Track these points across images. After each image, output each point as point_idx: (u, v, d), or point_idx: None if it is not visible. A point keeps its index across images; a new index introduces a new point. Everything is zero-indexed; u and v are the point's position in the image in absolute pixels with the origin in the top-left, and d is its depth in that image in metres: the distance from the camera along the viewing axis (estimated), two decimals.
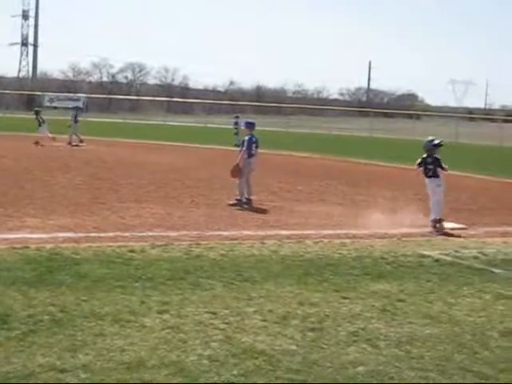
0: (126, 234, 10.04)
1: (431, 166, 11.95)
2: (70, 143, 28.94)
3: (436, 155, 11.95)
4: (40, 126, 29.59)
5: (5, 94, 76.83)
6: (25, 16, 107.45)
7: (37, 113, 30.71)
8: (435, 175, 11.91)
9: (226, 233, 10.60)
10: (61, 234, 9.75)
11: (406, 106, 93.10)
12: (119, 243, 9.28)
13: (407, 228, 11.77)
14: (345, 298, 7.22)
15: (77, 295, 6.70)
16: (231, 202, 13.50)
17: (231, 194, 14.00)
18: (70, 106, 35.33)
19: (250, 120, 15.41)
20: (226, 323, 6.13)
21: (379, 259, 9.24)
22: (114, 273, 7.65)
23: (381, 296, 7.37)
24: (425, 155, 12.03)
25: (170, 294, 6.91)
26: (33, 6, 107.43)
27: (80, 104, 61.62)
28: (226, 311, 6.47)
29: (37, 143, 27.89)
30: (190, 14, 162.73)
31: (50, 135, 28.99)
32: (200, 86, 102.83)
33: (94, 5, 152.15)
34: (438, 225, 11.78)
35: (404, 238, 10.90)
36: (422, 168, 12.05)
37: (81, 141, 29.32)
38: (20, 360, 5.02)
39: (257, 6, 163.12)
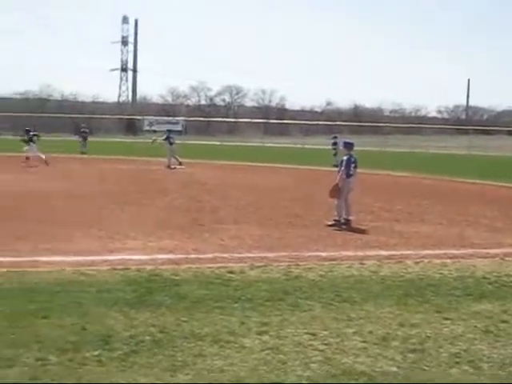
0: (225, 255, 10.09)
1: None
2: (168, 166, 29.43)
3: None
4: (29, 145, 29.62)
5: (105, 118, 78.91)
6: (124, 42, 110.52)
7: (27, 132, 30.75)
8: None
9: (324, 253, 10.53)
10: (160, 256, 9.89)
11: (506, 123, 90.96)
12: (218, 264, 9.34)
13: (510, 247, 11.44)
14: (446, 318, 7.06)
15: (177, 316, 6.77)
16: (330, 223, 13.43)
17: (329, 214, 13.92)
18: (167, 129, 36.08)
19: (348, 140, 15.31)
20: (326, 344, 6.07)
21: (481, 279, 9.01)
22: (213, 294, 7.70)
23: (483, 317, 7.17)
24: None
25: (270, 315, 6.91)
26: (132, 32, 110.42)
27: (179, 127, 62.68)
28: (326, 332, 6.41)
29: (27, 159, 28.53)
30: (287, 37, 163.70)
31: (42, 155, 29.31)
32: (297, 107, 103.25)
33: (192, 29, 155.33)
34: None
35: (507, 258, 10.59)
36: None
37: (180, 163, 29.78)
38: (122, 380, 5.09)
39: (348, 28, 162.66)
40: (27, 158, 28.80)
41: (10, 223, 12.47)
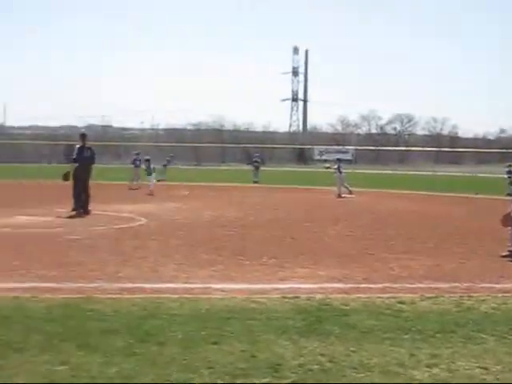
0: (396, 286, 9.93)
1: None
2: (339, 195, 29.48)
3: None
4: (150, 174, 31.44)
5: (277, 148, 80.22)
6: (295, 73, 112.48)
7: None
8: None
9: (498, 285, 10.13)
10: (330, 285, 9.87)
11: None
12: (388, 294, 9.20)
13: None
14: None
15: (346, 346, 6.71)
16: (503, 254, 12.93)
17: (503, 245, 13.41)
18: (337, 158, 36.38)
19: None
20: (498, 379, 5.82)
21: None
22: (382, 324, 7.58)
23: None
24: None
25: (440, 347, 6.71)
26: (302, 62, 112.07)
27: (349, 156, 62.72)
28: (498, 367, 6.14)
29: None
30: (458, 64, 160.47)
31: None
32: (470, 135, 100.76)
33: (361, 57, 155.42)
34: None
35: None
36: None
37: (350, 192, 29.78)
38: None
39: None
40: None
41: (193, 252, 12.87)
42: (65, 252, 12.36)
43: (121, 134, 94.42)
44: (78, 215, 19.23)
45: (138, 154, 38.30)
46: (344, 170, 31.01)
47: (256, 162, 44.82)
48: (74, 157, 20.24)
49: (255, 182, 41.45)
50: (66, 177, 20.36)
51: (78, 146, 20.54)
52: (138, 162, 36.65)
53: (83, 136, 21.07)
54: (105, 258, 11.82)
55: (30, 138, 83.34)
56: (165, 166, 43.18)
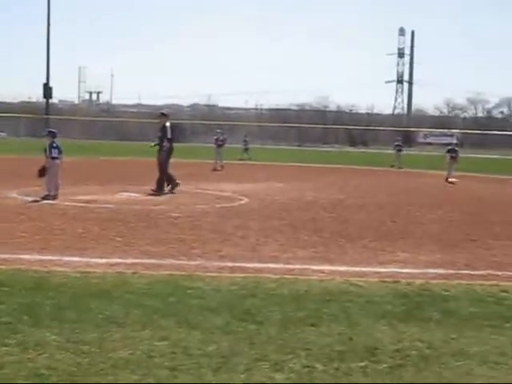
0: (498, 273, 9.68)
1: None
2: (446, 179, 28.96)
3: None
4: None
5: (380, 130, 79.41)
6: (400, 54, 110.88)
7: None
8: None
9: None
10: (431, 270, 9.72)
11: None
12: (491, 282, 8.99)
13: None
14: None
15: (445, 332, 6.60)
16: None
17: None
18: (444, 141, 35.62)
19: None
20: None
21: None
22: (483, 312, 7.42)
23: None
24: None
25: None
26: (408, 43, 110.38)
27: (454, 140, 61.36)
28: None
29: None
30: None
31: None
32: None
33: (467, 40, 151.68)
34: None
35: None
36: None
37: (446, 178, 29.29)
38: None
39: None
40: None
41: (293, 232, 12.91)
42: (167, 229, 12.59)
43: (225, 114, 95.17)
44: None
45: (221, 132, 36.50)
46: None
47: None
48: (170, 136, 20.02)
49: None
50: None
51: (169, 125, 20.27)
52: (220, 142, 34.78)
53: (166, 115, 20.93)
54: (206, 236, 11.98)
55: (134, 117, 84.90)
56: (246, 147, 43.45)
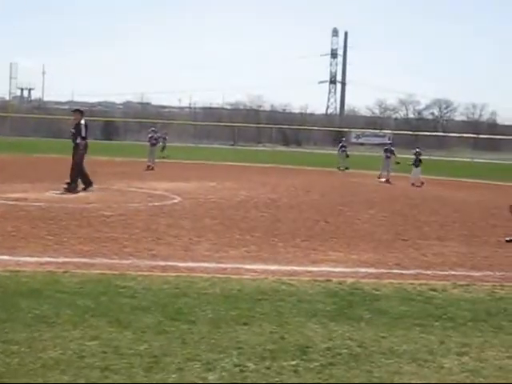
0: (428, 272, 9.87)
1: None
2: (387, 180, 29.33)
3: None
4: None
5: (314, 130, 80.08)
6: (333, 54, 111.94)
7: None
8: None
9: None
10: (362, 269, 9.84)
11: None
12: (420, 281, 9.15)
13: None
14: None
15: (376, 331, 6.69)
16: (508, 239, 12.87)
17: None
18: (376, 142, 35.96)
19: None
20: None
21: None
22: (413, 311, 7.55)
23: None
24: None
25: (471, 336, 6.67)
26: (341, 44, 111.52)
27: (386, 140, 62.18)
28: None
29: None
30: (498, 49, 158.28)
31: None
32: (509, 122, 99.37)
33: (400, 40, 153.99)
34: None
35: None
36: None
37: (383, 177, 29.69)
38: None
39: None
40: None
41: (226, 232, 12.91)
42: (99, 228, 12.46)
43: (159, 112, 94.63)
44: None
45: (154, 130, 34.69)
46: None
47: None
48: (84, 135, 19.42)
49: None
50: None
51: (84, 122, 19.59)
52: (154, 141, 33.25)
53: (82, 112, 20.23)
54: (138, 234, 11.90)
55: (67, 114, 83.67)
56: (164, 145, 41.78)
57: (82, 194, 18.36)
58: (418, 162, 29.45)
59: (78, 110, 20.33)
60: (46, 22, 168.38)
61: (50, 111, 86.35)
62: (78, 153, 19.27)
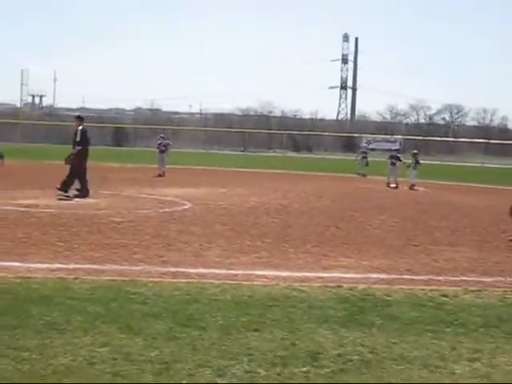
0: (439, 278, 9.84)
1: None
2: (393, 185, 29.30)
3: None
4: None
5: (324, 135, 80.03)
6: (344, 60, 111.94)
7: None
8: None
9: None
10: (373, 275, 9.82)
11: None
12: (432, 287, 9.12)
13: None
14: None
15: (387, 337, 6.67)
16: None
17: None
18: (387, 147, 35.76)
19: None
20: None
21: None
22: (424, 316, 7.53)
23: None
24: None
25: (482, 342, 6.63)
26: (352, 50, 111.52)
27: (397, 146, 62.09)
28: None
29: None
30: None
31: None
32: None
33: (411, 46, 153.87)
34: None
35: None
36: None
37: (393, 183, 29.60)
38: None
39: None
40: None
41: (236, 238, 12.90)
42: (109, 234, 12.47)
43: (169, 118, 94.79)
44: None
45: (163, 137, 34.23)
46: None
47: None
48: (78, 140, 19.58)
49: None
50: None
51: (82, 128, 19.81)
52: (163, 147, 32.63)
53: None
54: (149, 241, 11.91)
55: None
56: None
57: (91, 200, 18.37)
58: (416, 164, 29.60)
59: (78, 117, 20.70)
60: (55, 26, 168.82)
61: (62, 118, 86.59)
62: (78, 158, 19.36)
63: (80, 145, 19.48)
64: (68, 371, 5.34)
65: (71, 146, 19.86)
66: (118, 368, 5.44)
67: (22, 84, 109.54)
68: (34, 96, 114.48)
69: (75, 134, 19.69)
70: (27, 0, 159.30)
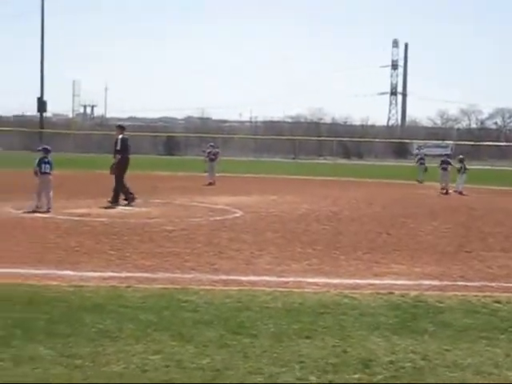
0: (493, 284, 9.71)
1: None
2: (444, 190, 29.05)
3: None
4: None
5: (375, 142, 79.59)
6: (394, 66, 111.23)
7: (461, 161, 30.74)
8: None
9: None
10: (425, 282, 9.73)
11: None
12: (485, 293, 9.00)
13: None
14: None
15: (440, 344, 6.60)
16: None
17: None
18: (438, 153, 35.29)
19: None
20: None
21: None
22: (478, 323, 7.43)
23: None
24: None
25: None
26: (402, 55, 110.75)
27: (448, 151, 61.45)
28: None
29: None
30: None
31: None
32: None
33: (461, 52, 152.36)
34: None
35: None
36: None
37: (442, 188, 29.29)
38: None
39: None
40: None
41: (287, 245, 12.90)
42: (161, 242, 12.57)
43: (220, 127, 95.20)
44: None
45: (212, 145, 34.15)
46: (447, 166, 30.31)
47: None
48: (119, 148, 19.78)
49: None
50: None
51: (121, 137, 20.08)
52: (212, 156, 32.54)
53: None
54: (200, 249, 11.97)
55: (128, 130, 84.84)
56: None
57: (143, 209, 18.53)
58: (465, 170, 29.32)
59: (118, 126, 21.11)
60: (107, 39, 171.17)
61: (112, 128, 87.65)
62: (117, 166, 19.64)
63: (120, 153, 19.71)
64: (120, 378, 5.40)
65: (112, 156, 20.08)
66: (170, 376, 5.48)
67: (73, 95, 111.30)
68: (85, 106, 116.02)
69: (116, 143, 19.93)
70: (79, 12, 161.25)
